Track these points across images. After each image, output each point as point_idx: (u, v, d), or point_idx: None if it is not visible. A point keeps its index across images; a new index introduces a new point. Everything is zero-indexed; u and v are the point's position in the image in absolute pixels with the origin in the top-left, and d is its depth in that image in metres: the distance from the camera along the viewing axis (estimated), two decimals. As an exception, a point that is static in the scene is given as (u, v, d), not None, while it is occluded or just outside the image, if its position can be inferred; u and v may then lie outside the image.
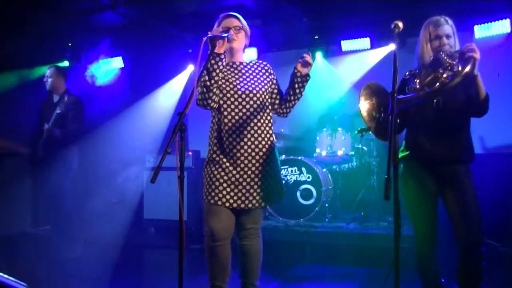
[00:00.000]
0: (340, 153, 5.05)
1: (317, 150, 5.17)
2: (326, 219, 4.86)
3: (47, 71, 4.54)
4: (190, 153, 5.59)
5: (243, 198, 2.45)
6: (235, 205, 2.44)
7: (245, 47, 2.66)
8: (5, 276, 1.56)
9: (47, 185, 4.28)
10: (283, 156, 5.05)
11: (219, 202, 2.44)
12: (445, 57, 2.20)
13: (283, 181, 4.84)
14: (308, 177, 4.87)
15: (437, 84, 2.15)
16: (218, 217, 2.46)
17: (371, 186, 5.00)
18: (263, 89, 2.52)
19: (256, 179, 2.46)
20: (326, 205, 4.86)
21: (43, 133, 4.30)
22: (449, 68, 2.16)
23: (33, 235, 5.46)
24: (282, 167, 4.91)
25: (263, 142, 2.49)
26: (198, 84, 2.39)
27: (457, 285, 2.32)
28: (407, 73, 2.39)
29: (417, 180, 2.39)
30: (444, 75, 2.14)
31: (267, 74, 2.60)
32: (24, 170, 5.64)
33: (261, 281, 2.61)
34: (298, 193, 4.88)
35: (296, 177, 4.93)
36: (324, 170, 5.10)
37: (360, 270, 3.83)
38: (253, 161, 2.46)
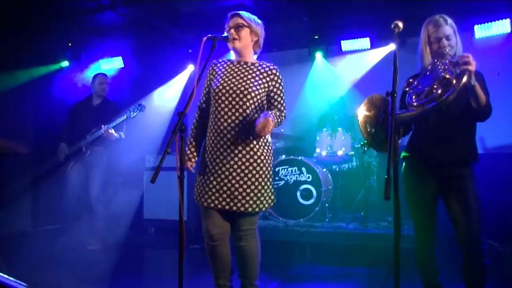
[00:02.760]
0: (340, 153, 5.05)
1: (317, 150, 5.16)
2: (326, 219, 4.85)
3: (102, 77, 4.94)
4: (190, 153, 5.57)
5: (235, 201, 2.43)
6: (227, 207, 2.45)
7: (257, 42, 2.61)
8: (5, 276, 1.56)
9: (79, 180, 4.67)
10: (283, 156, 5.03)
11: (212, 205, 2.47)
12: (441, 68, 2.17)
13: (283, 182, 4.93)
14: (308, 177, 4.87)
15: (434, 103, 2.13)
16: (211, 219, 2.51)
17: (371, 186, 5.00)
18: (251, 90, 2.46)
19: (244, 185, 2.43)
20: (326, 205, 4.86)
21: (89, 131, 4.68)
22: (444, 82, 2.13)
23: (33, 235, 5.45)
24: (282, 167, 4.92)
25: (251, 146, 2.46)
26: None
27: (463, 284, 2.33)
28: (406, 87, 2.35)
29: (418, 179, 2.40)
30: (439, 92, 2.12)
31: (264, 77, 2.52)
32: (24, 170, 5.65)
33: (261, 281, 2.61)
34: (298, 193, 4.88)
35: (296, 177, 4.92)
36: (324, 170, 5.10)
37: (360, 270, 3.83)
38: (236, 167, 2.44)
